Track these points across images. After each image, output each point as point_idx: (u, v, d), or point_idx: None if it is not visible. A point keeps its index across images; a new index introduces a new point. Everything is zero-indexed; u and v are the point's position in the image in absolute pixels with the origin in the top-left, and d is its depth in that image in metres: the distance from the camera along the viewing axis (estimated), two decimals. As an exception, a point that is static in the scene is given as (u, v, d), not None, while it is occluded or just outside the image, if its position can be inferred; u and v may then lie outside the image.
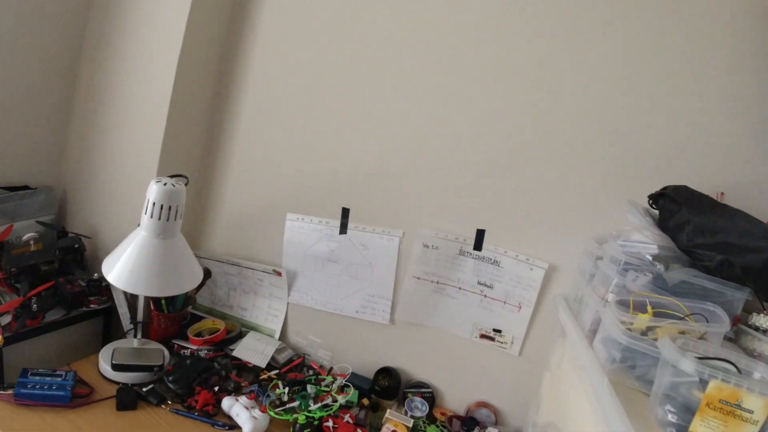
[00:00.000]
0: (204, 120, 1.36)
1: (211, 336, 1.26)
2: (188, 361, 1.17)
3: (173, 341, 1.27)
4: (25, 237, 1.25)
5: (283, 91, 1.29)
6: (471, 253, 1.19)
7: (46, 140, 1.35)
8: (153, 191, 1.04)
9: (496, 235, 1.17)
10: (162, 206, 1.03)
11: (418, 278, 1.20)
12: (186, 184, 1.07)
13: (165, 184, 1.04)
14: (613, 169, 1.07)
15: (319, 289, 1.29)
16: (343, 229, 1.24)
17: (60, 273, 1.20)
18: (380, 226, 1.22)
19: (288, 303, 1.34)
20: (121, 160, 1.30)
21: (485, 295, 1.21)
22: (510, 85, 1.11)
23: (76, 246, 1.23)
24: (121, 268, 1.04)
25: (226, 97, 1.36)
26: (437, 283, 1.21)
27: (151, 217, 1.04)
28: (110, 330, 1.34)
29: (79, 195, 1.39)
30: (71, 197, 1.40)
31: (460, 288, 1.21)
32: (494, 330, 1.22)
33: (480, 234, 1.18)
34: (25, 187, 1.31)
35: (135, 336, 1.18)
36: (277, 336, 1.35)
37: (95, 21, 1.32)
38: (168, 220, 1.04)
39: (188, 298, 1.30)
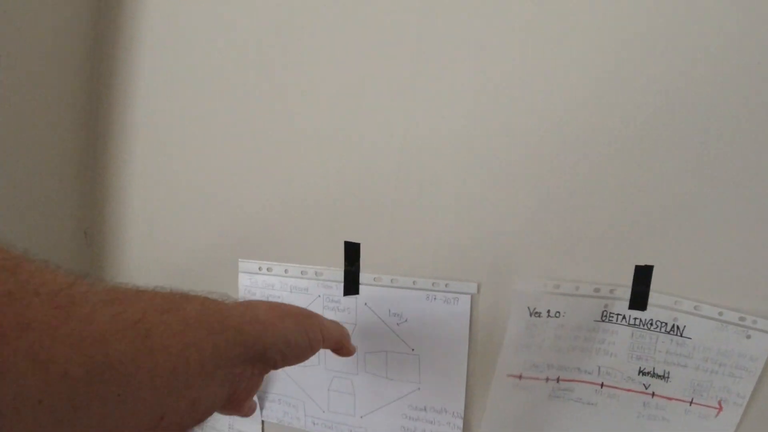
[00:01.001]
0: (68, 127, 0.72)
1: None
2: None
3: None
4: None
5: (224, 56, 0.66)
6: (625, 317, 0.57)
7: None
8: None
9: (676, 275, 0.55)
10: None
11: (520, 377, 0.58)
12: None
13: None
14: None
15: (317, 398, 0.67)
16: (351, 285, 0.62)
17: None
18: (426, 276, 0.59)
19: (264, 422, 0.72)
20: None
21: (653, 394, 0.59)
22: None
23: None
24: None
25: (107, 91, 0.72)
26: (558, 380, 0.59)
27: None
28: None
29: None
30: None
31: (602, 385, 0.60)
32: (669, 454, 0.61)
33: (642, 275, 0.56)
34: None
35: None
36: (251, 478, 0.74)
37: None
38: None
39: None
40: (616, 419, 0.61)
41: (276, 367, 0.37)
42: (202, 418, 0.30)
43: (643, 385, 0.60)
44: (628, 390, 0.60)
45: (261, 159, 0.65)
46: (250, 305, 0.37)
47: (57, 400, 0.21)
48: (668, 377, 0.59)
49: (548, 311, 0.55)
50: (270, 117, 0.64)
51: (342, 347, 0.48)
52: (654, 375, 0.59)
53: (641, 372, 0.59)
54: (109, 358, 0.23)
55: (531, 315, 0.55)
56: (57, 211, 0.75)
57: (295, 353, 0.38)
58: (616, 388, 0.60)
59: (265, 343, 0.34)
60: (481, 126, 0.56)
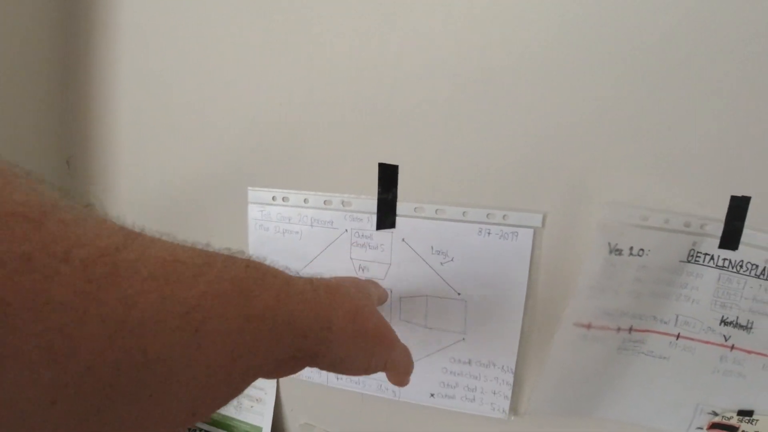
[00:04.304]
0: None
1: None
2: None
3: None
4: None
5: None
6: (713, 258, 0.49)
7: None
8: None
9: (775, 208, 0.46)
10: None
11: (588, 326, 0.50)
12: None
13: None
14: None
15: (342, 349, 0.58)
16: (386, 217, 0.52)
17: None
18: (480, 206, 0.49)
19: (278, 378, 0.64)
20: None
21: (733, 347, 0.52)
22: None
23: None
24: None
25: None
26: (630, 331, 0.51)
27: None
28: None
29: None
30: None
31: (678, 336, 0.52)
32: (740, 413, 0.55)
33: (738, 208, 0.47)
34: None
35: None
36: (263, 438, 0.66)
37: None
38: None
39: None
40: (688, 375, 0.53)
41: (322, 369, 0.32)
42: (226, 404, 0.25)
43: (723, 336, 0.52)
44: (706, 342, 0.52)
45: (273, 60, 0.53)
46: (331, 305, 0.31)
47: (74, 401, 0.16)
48: (751, 328, 0.51)
49: (630, 248, 0.46)
50: (284, 4, 0.51)
51: (399, 382, 0.42)
52: (736, 325, 0.51)
53: (723, 321, 0.51)
54: (148, 355, 0.19)
55: (611, 252, 0.46)
56: (34, 138, 0.63)
57: (348, 370, 0.34)
58: (693, 339, 0.52)
59: (320, 352, 0.30)
60: (553, 16, 0.44)
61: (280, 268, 0.30)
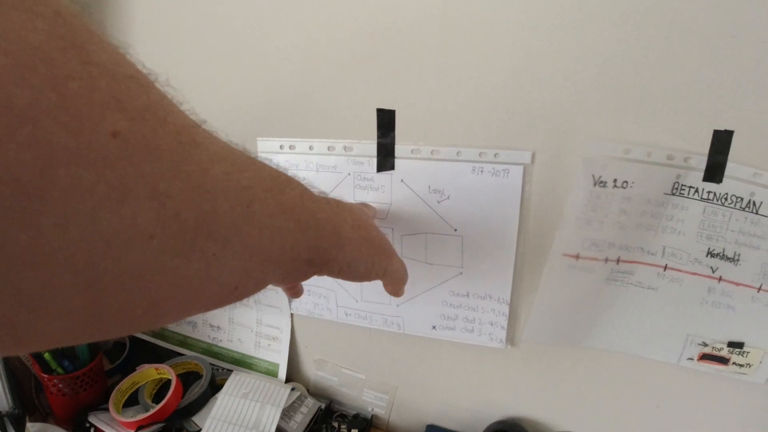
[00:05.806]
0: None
1: (151, 413, 0.63)
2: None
3: (91, 419, 0.65)
4: None
5: None
6: (698, 191, 0.51)
7: None
8: None
9: (757, 143, 0.48)
10: None
11: (577, 257, 0.53)
12: None
13: None
14: None
15: (349, 287, 0.63)
16: (385, 159, 0.55)
17: None
18: (473, 146, 0.52)
19: (293, 315, 0.69)
20: None
21: (720, 278, 0.54)
22: None
23: None
24: None
25: None
26: (618, 261, 0.54)
27: None
28: None
29: None
30: None
31: (666, 268, 0.54)
32: (730, 344, 0.57)
33: (721, 142, 0.49)
34: None
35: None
36: (281, 374, 0.71)
37: None
38: None
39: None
40: (677, 306, 0.56)
41: (330, 275, 0.36)
42: (254, 293, 0.29)
43: (711, 268, 0.54)
44: (694, 273, 0.54)
45: (277, 18, 0.56)
46: (340, 214, 0.36)
47: (165, 241, 0.19)
48: (738, 260, 0.53)
49: (614, 180, 0.49)
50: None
51: (395, 292, 0.47)
52: (723, 257, 0.53)
53: (710, 253, 0.53)
54: (217, 215, 0.22)
55: (595, 184, 0.49)
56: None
57: (352, 275, 0.38)
58: (680, 271, 0.54)
59: (332, 256, 0.34)
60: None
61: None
